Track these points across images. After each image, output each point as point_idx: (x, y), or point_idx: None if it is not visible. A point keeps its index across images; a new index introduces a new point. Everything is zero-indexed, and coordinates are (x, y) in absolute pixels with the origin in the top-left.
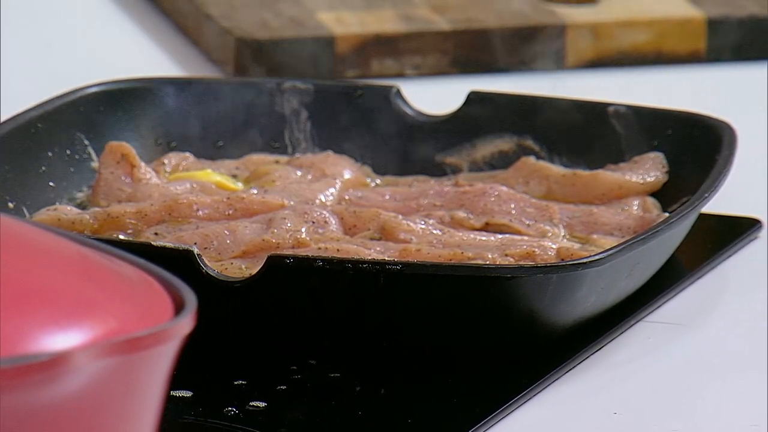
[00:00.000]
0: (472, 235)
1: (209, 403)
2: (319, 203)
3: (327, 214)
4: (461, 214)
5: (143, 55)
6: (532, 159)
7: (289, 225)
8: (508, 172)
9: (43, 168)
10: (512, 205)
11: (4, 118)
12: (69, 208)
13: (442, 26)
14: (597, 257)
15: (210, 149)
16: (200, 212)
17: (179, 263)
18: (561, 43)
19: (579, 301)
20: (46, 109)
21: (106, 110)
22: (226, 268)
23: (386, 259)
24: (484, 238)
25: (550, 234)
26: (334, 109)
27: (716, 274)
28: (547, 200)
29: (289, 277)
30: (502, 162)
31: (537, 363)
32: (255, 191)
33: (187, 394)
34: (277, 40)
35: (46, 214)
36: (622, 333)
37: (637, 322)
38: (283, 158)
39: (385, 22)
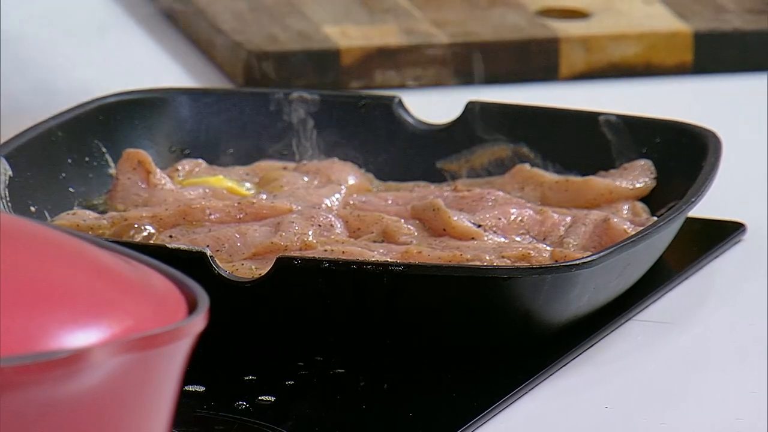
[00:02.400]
0: None
1: (221, 397)
2: (325, 207)
3: (332, 218)
4: None
5: (158, 67)
6: (527, 166)
7: (296, 228)
8: (505, 178)
9: (63, 174)
10: None
11: (26, 126)
12: (88, 212)
13: (441, 39)
14: (589, 259)
15: (221, 156)
16: (212, 216)
17: (192, 264)
18: (554, 56)
19: (572, 300)
20: (67, 118)
21: (123, 119)
22: (237, 269)
23: (389, 260)
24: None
25: None
26: (339, 119)
27: (702, 275)
28: (541, 205)
29: (297, 278)
30: (498, 168)
31: (532, 359)
32: (264, 196)
33: (200, 388)
34: (285, 52)
35: (66, 218)
36: (613, 331)
37: (628, 320)
38: (291, 165)
39: (388, 36)
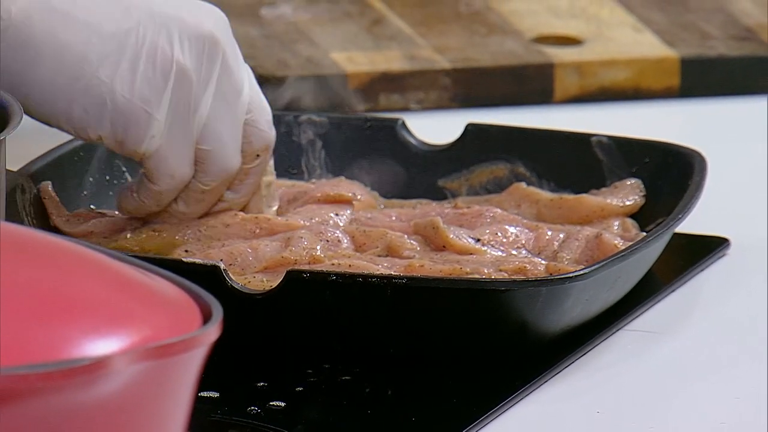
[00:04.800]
0: None
1: (234, 402)
2: (333, 224)
3: (339, 234)
4: None
5: None
6: (523, 184)
7: (305, 243)
8: (502, 196)
9: (85, 192)
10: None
11: (51, 147)
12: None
13: (443, 65)
14: (582, 272)
15: None
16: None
17: (207, 277)
18: (549, 80)
19: (566, 311)
20: None
21: None
22: (249, 282)
23: (393, 273)
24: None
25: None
26: (345, 139)
27: (689, 287)
28: (536, 221)
29: (306, 290)
30: (496, 187)
31: (528, 366)
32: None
33: (215, 394)
34: (295, 77)
35: None
36: (604, 340)
37: (618, 330)
38: (301, 183)
39: (392, 62)
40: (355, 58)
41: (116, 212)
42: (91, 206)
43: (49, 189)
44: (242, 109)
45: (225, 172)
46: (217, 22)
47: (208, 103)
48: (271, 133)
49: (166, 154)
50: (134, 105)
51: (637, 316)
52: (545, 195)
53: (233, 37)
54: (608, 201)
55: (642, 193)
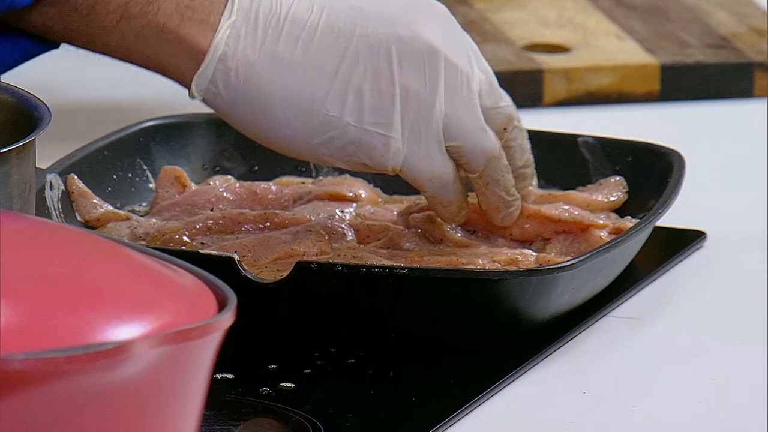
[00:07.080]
0: None
1: (247, 383)
2: (338, 218)
3: (345, 227)
4: None
5: None
6: None
7: (313, 236)
8: None
9: (109, 188)
10: None
11: (77, 147)
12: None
13: None
14: (570, 263)
15: (247, 173)
16: (243, 227)
17: (222, 268)
18: (539, 85)
19: (554, 299)
20: (112, 140)
21: (161, 140)
22: (261, 272)
23: (394, 264)
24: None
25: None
26: None
27: (668, 277)
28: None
29: (314, 280)
30: None
31: (519, 351)
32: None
33: (229, 376)
34: None
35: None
36: (590, 326)
37: (603, 316)
38: (309, 180)
39: None
40: None
41: (132, 215)
42: (116, 202)
43: (76, 180)
44: (475, 92)
45: (485, 154)
46: (432, 26)
47: (442, 103)
48: (505, 104)
49: (415, 163)
50: (367, 131)
51: (620, 304)
52: (535, 191)
53: (453, 23)
54: (594, 197)
55: (625, 190)
